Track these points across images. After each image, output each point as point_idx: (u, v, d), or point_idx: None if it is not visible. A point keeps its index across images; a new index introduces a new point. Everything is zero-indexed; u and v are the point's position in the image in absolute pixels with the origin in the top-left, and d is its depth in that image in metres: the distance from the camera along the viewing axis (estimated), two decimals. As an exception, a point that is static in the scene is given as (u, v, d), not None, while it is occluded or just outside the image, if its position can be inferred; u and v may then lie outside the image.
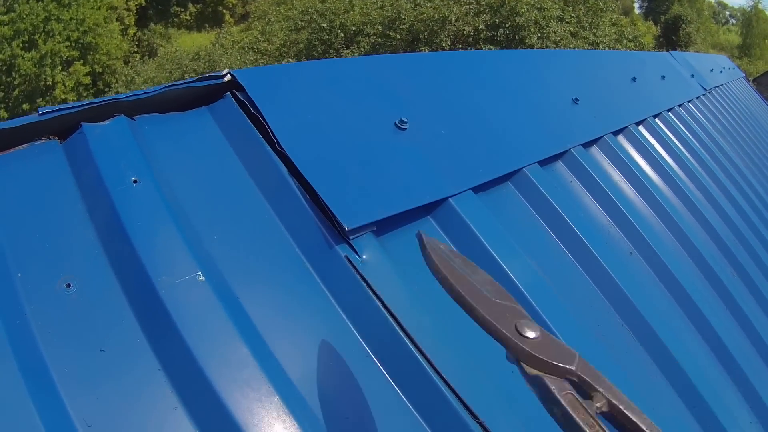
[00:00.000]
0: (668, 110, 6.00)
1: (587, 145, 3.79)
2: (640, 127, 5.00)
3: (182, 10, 60.29)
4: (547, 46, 32.74)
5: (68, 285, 1.46)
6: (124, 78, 38.42)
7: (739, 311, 3.93)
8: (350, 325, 1.73)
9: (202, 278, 1.57)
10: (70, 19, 39.50)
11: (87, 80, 39.89)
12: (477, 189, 2.50)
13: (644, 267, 3.34)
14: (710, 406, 2.82)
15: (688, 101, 7.22)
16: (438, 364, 1.74)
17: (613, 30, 35.99)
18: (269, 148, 1.96)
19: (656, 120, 5.46)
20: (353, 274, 1.81)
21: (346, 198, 1.92)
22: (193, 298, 1.53)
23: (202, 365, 1.42)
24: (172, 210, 1.67)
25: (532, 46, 32.60)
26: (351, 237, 1.87)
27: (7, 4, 37.30)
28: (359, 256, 1.86)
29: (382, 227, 2.04)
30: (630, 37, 36.75)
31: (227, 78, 2.04)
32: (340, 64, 2.56)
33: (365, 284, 1.80)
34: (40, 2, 38.13)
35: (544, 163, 3.13)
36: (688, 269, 3.79)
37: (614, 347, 2.65)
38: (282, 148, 1.93)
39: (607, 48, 33.92)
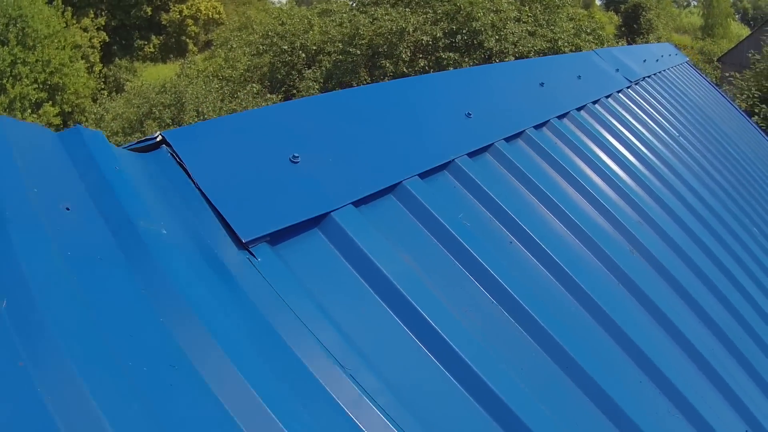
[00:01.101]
0: (578, 109, 6.37)
1: (475, 153, 4.27)
2: (544, 129, 5.44)
3: (146, 42, 60.18)
4: (505, 48, 33.08)
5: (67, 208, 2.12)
6: (93, 116, 38.30)
7: (634, 286, 4.35)
8: (254, 304, 2.35)
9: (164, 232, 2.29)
10: (36, 61, 39.35)
11: (57, 121, 39.87)
12: (358, 203, 3.11)
13: (524, 253, 3.83)
14: (600, 386, 3.25)
15: (607, 96, 7.54)
16: (317, 333, 2.39)
17: (571, 25, 36.15)
18: (193, 185, 2.64)
19: (563, 120, 5.87)
20: (253, 271, 2.48)
21: (244, 218, 2.59)
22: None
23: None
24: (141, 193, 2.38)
25: (491, 49, 32.96)
26: (249, 246, 2.54)
27: (-28, 51, 37.28)
28: (256, 259, 2.51)
29: (276, 238, 2.71)
30: (588, 30, 36.93)
31: (159, 138, 2.72)
32: (249, 115, 3.24)
33: (262, 278, 2.46)
34: (5, 47, 38.05)
35: (426, 174, 3.69)
36: (575, 251, 4.25)
37: (494, 334, 3.15)
38: (198, 185, 2.60)
39: (566, 44, 34.24)
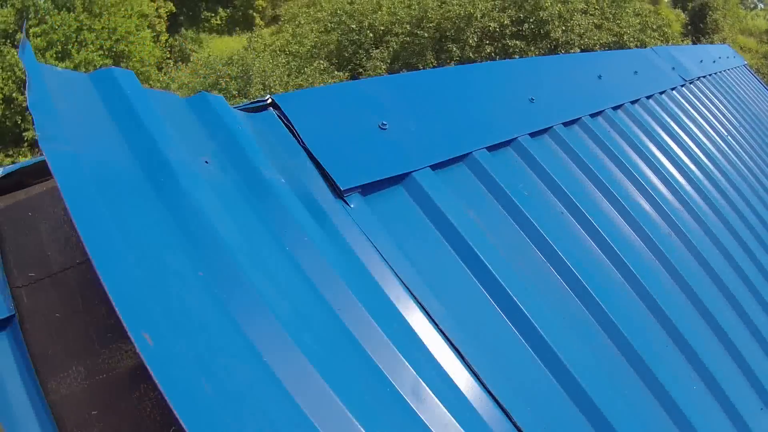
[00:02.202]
0: (632, 102, 6.73)
1: (536, 134, 4.75)
2: (599, 118, 5.82)
3: (213, 15, 59.98)
4: (571, 39, 33.00)
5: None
6: (159, 84, 38.39)
7: (669, 264, 4.82)
8: (347, 241, 2.91)
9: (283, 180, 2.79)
10: (102, 28, 39.28)
11: (121, 88, 40.14)
12: (435, 167, 3.68)
13: (573, 223, 4.33)
14: (630, 341, 3.79)
15: (661, 93, 7.83)
16: (396, 268, 2.94)
17: (637, 20, 35.93)
18: (297, 144, 3.19)
19: (617, 111, 6.25)
20: (346, 215, 3.04)
21: (342, 171, 3.19)
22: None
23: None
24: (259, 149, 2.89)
25: (557, 40, 32.93)
26: (345, 195, 3.12)
27: (39, 16, 37.58)
28: (349, 206, 3.10)
29: (366, 190, 3.29)
30: (654, 26, 36.74)
31: (269, 100, 3.29)
32: (343, 87, 3.80)
33: (353, 221, 3.03)
34: (71, 13, 38.42)
35: (492, 148, 4.21)
36: (619, 228, 4.72)
37: (541, 285, 3.73)
38: (303, 143, 3.16)
39: (631, 38, 34.14)
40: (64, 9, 38.43)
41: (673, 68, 9.18)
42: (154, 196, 2.30)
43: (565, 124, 5.25)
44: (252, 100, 3.41)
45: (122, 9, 41.48)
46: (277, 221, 2.62)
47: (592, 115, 5.78)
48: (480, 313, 3.24)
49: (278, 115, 3.30)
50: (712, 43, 57.98)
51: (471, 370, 2.84)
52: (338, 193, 3.12)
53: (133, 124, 2.52)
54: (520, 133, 4.58)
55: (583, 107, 5.69)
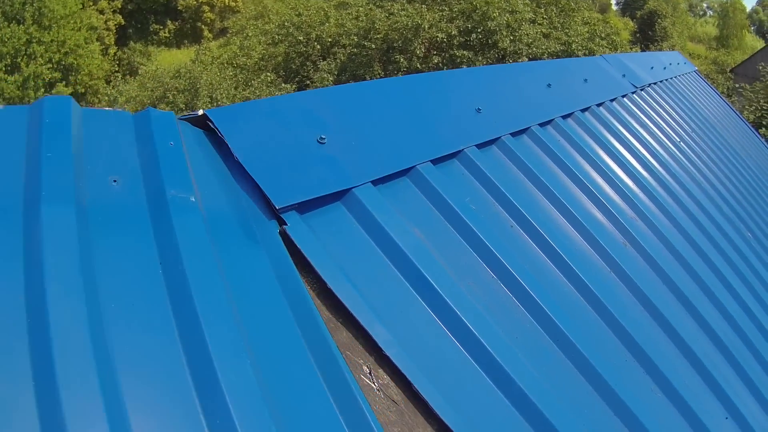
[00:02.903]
0: (582, 110, 6.66)
1: (483, 145, 4.61)
2: (548, 127, 5.73)
3: (161, 27, 60.05)
4: (519, 49, 33.20)
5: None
6: (107, 98, 38.40)
7: (625, 275, 4.70)
8: (283, 262, 2.72)
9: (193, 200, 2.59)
10: (51, 41, 39.30)
11: (69, 101, 40.00)
12: (376, 182, 3.48)
13: (523, 236, 4.19)
14: (588, 358, 3.65)
15: (611, 100, 7.82)
16: (336, 290, 2.76)
17: (585, 29, 36.24)
18: (232, 159, 3.02)
19: (567, 120, 6.16)
20: (282, 235, 2.86)
21: (278, 188, 2.97)
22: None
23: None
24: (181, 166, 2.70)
25: (504, 49, 33.08)
26: (280, 213, 2.91)
27: (-12, 28, 37.37)
28: (286, 224, 2.89)
29: (304, 208, 3.09)
30: (602, 35, 37.05)
31: (200, 113, 3.10)
32: (280, 100, 3.61)
33: (289, 239, 2.84)
34: (21, 25, 38.18)
35: (437, 161, 4.04)
36: (571, 239, 4.60)
37: (492, 304, 3.54)
38: (237, 158, 2.98)
39: (580, 47, 34.38)
40: (14, 21, 38.30)
41: (624, 75, 9.19)
42: (18, 223, 2.10)
43: (514, 134, 5.13)
44: (184, 114, 3.23)
45: (71, 22, 41.47)
46: (163, 244, 2.41)
47: (542, 125, 5.68)
48: (427, 336, 3.04)
49: (214, 128, 3.12)
50: (660, 50, 58.58)
51: (420, 397, 2.68)
52: (273, 212, 2.93)
53: (34, 148, 2.33)
54: (466, 144, 4.43)
55: (532, 116, 5.58)
